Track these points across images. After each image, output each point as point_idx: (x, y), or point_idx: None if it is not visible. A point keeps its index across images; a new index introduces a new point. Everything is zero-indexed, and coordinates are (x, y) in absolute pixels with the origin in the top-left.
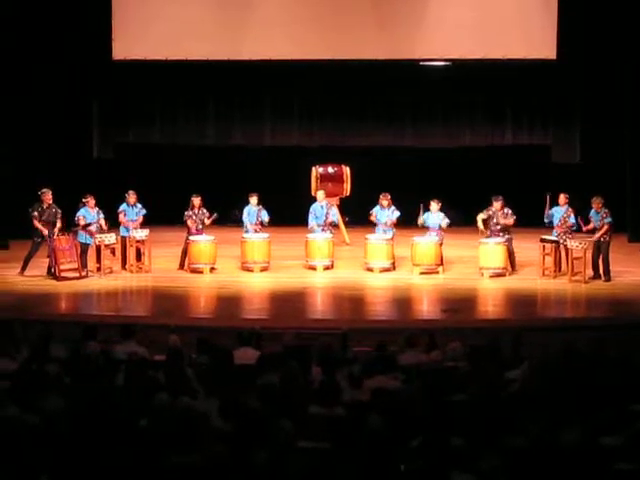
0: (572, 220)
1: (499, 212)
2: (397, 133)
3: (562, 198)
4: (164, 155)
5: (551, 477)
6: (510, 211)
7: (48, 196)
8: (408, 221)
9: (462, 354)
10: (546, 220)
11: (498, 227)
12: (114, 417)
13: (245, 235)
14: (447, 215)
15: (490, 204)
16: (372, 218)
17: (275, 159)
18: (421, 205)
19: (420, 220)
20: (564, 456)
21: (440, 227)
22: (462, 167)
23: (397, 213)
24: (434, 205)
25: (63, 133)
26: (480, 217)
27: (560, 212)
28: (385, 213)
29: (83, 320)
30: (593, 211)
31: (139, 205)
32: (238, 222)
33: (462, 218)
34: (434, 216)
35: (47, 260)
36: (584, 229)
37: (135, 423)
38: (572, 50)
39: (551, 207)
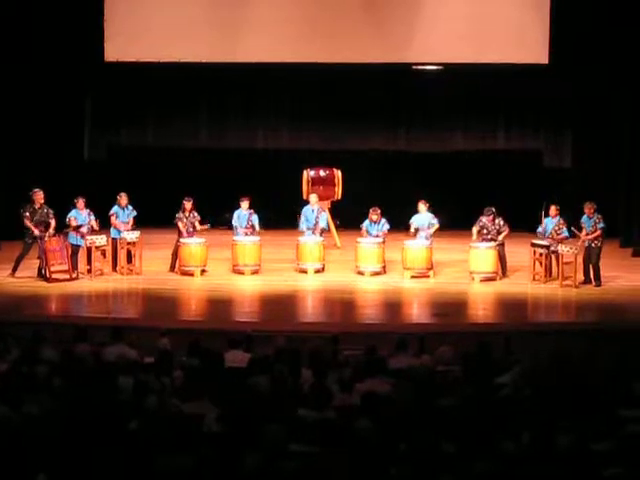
0: (565, 233)
1: (489, 224)
2: (389, 136)
3: (553, 210)
4: (156, 157)
5: None
6: (502, 221)
7: (39, 196)
8: (399, 225)
9: (452, 358)
10: (539, 236)
11: (489, 237)
12: (104, 419)
13: (236, 238)
14: (438, 217)
15: (482, 214)
16: (363, 232)
17: (267, 162)
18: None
19: (412, 225)
20: (555, 461)
21: (428, 226)
22: (454, 171)
23: (387, 226)
24: (422, 206)
25: (55, 134)
26: (474, 230)
27: (552, 223)
28: (375, 227)
29: (73, 322)
30: (585, 216)
31: (130, 207)
32: (229, 225)
33: (453, 222)
34: (422, 217)
35: (38, 261)
36: (579, 236)
37: (125, 425)
38: (564, 55)
39: (546, 215)
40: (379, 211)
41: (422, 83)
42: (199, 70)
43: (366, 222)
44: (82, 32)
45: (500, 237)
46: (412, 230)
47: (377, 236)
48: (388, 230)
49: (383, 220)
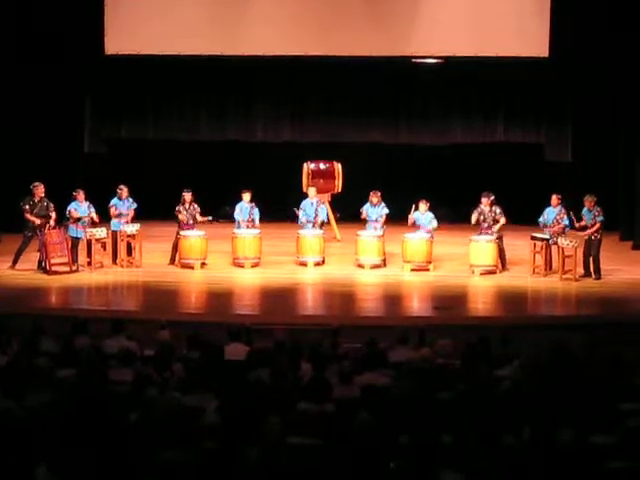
0: (566, 222)
1: (487, 209)
2: (389, 129)
3: (554, 199)
4: (156, 150)
5: (542, 475)
6: (499, 210)
7: (40, 190)
8: (399, 218)
9: (452, 351)
10: (540, 226)
11: (485, 224)
12: (104, 411)
13: (236, 231)
14: (437, 214)
15: (479, 201)
16: (363, 216)
17: (267, 155)
18: (413, 206)
19: (410, 219)
20: (555, 454)
21: (429, 226)
22: (454, 164)
23: (386, 210)
24: (422, 206)
25: (55, 128)
26: (474, 218)
27: (553, 213)
28: (375, 210)
29: (73, 314)
30: (585, 209)
31: (130, 200)
32: (229, 218)
33: (453, 215)
34: (423, 217)
35: (38, 254)
36: (577, 225)
37: (125, 418)
38: (565, 48)
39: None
40: (379, 194)
41: (422, 76)
42: (199, 63)
43: (366, 205)
44: (82, 25)
45: (496, 227)
46: (410, 224)
47: (376, 220)
48: (387, 214)
49: (383, 204)
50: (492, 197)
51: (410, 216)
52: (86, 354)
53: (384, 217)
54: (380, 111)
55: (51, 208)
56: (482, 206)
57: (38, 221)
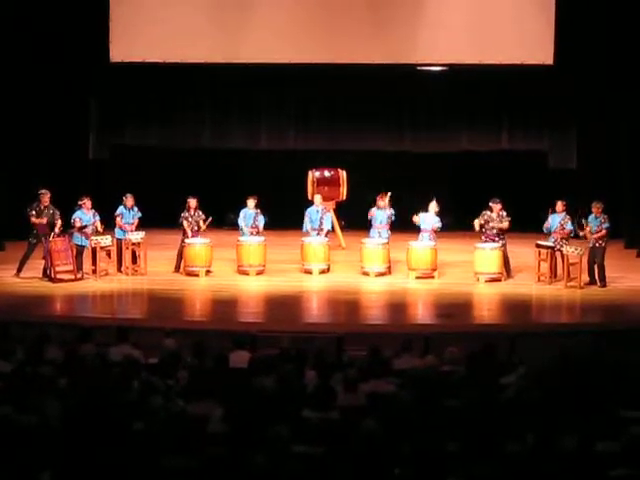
0: (569, 227)
1: (495, 215)
2: (393, 137)
3: (559, 205)
4: (160, 157)
5: None
6: (505, 214)
7: (46, 198)
8: (404, 224)
9: (460, 359)
10: (545, 231)
11: (494, 231)
12: (108, 419)
13: (241, 238)
14: (442, 222)
15: (487, 208)
16: (371, 214)
17: (271, 162)
18: (420, 215)
19: (415, 219)
20: (559, 462)
21: (432, 228)
22: (459, 172)
23: (392, 211)
24: (432, 207)
25: (60, 134)
26: (477, 222)
27: (558, 219)
28: (383, 213)
29: (78, 322)
30: (592, 216)
31: (136, 208)
32: (234, 225)
33: (458, 223)
34: (429, 217)
35: (43, 262)
36: (580, 234)
37: (129, 426)
38: (569, 55)
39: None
40: (386, 198)
41: (427, 84)
42: (203, 70)
43: (374, 208)
44: (88, 33)
45: (498, 225)
46: (415, 219)
47: (381, 223)
48: (394, 216)
49: (390, 209)
50: (499, 202)
51: (415, 217)
52: (91, 362)
53: (391, 218)
54: (384, 119)
55: (57, 215)
56: (490, 213)
57: (45, 220)
